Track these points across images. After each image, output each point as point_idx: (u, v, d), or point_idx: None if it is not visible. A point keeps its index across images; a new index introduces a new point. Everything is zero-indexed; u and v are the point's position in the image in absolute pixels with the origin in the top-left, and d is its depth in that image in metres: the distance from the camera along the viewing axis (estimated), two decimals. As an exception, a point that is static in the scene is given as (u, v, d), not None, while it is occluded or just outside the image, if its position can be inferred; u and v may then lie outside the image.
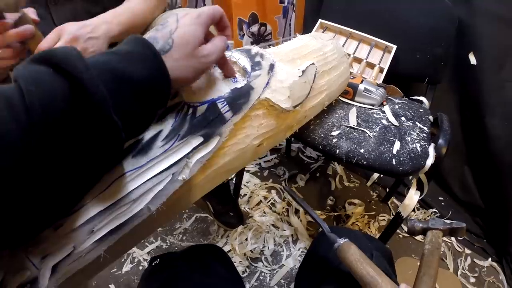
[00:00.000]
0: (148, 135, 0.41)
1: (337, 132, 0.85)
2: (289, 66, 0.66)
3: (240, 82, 0.54)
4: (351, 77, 0.98)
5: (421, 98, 1.09)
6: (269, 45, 1.26)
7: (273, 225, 1.26)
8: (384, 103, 0.98)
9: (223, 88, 0.51)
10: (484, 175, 1.26)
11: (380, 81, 1.06)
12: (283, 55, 0.68)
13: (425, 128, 0.89)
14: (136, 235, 0.43)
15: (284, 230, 1.25)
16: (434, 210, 1.36)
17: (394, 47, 1.08)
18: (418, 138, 0.85)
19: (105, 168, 0.34)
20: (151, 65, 0.35)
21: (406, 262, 1.22)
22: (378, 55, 1.11)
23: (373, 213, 1.35)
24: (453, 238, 1.34)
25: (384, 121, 0.89)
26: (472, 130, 1.23)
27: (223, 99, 0.49)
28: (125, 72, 0.32)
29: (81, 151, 0.29)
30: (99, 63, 0.31)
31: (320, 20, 1.19)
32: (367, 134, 0.84)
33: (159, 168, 0.40)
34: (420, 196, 0.86)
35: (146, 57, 0.35)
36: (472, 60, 1.13)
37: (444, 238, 1.29)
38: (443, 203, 1.38)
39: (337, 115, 0.91)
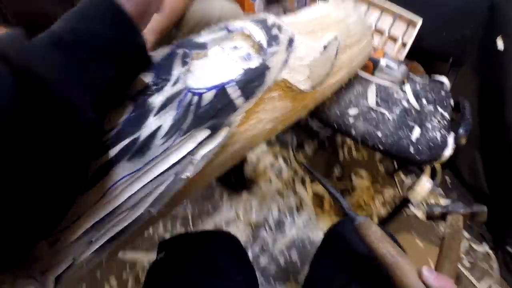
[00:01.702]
0: (145, 132, 0.35)
1: (355, 111, 0.80)
2: (309, 39, 0.59)
3: (254, 61, 0.47)
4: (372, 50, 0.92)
5: (443, 78, 1.03)
6: (284, 11, 1.16)
7: (278, 192, 1.26)
8: (405, 81, 0.93)
9: (234, 69, 0.45)
10: (495, 164, 1.23)
11: (402, 56, 0.99)
12: (301, 26, 0.61)
13: (446, 115, 0.85)
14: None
15: (290, 198, 1.25)
16: (439, 189, 1.35)
17: (420, 21, 0.99)
18: (439, 126, 0.80)
19: (86, 161, 0.29)
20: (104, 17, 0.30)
21: (405, 239, 1.24)
22: (401, 29, 1.02)
23: (378, 186, 1.34)
24: (453, 220, 1.35)
25: (404, 103, 0.84)
26: (489, 117, 1.18)
27: (234, 83, 0.42)
28: (77, 38, 0.28)
29: (49, 147, 0.24)
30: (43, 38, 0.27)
31: None
32: (386, 117, 0.80)
33: (160, 169, 0.35)
34: (433, 184, 0.85)
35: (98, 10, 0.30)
36: (500, 45, 1.06)
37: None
38: (449, 184, 1.37)
39: (355, 91, 0.85)
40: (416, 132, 0.78)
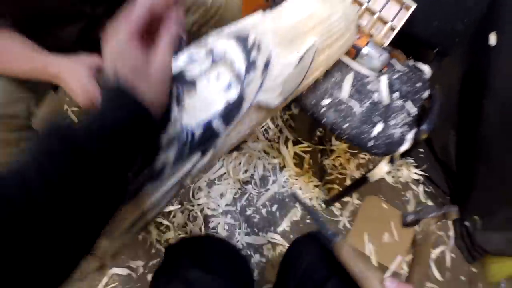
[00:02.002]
0: (157, 165, 0.50)
1: (327, 101, 0.89)
2: (287, 51, 0.67)
3: (233, 90, 0.57)
4: (357, 36, 0.98)
5: (425, 67, 1.08)
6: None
7: (264, 151, 1.40)
8: (385, 69, 1.00)
9: (218, 102, 0.56)
10: (465, 147, 1.33)
11: (388, 40, 1.02)
12: (283, 33, 0.67)
13: (414, 111, 0.93)
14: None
15: (274, 158, 1.40)
16: (412, 160, 1.49)
17: (414, 5, 1.00)
18: (402, 123, 0.90)
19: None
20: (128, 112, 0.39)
21: (372, 200, 1.40)
22: (393, 11, 1.02)
23: (355, 151, 1.48)
24: (420, 188, 1.49)
25: (375, 96, 0.92)
26: (468, 105, 1.25)
27: (218, 116, 0.54)
28: (114, 129, 0.38)
29: (89, 204, 0.35)
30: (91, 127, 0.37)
31: None
32: (354, 110, 0.89)
33: (170, 184, 0.51)
34: (390, 166, 0.97)
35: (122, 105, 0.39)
36: (492, 40, 1.08)
37: (413, 186, 1.45)
38: (421, 155, 1.49)
39: (333, 79, 0.92)
40: (378, 128, 0.87)
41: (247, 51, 0.60)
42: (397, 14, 1.02)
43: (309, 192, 1.36)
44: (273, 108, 0.65)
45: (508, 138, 1.16)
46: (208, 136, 0.53)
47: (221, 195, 1.29)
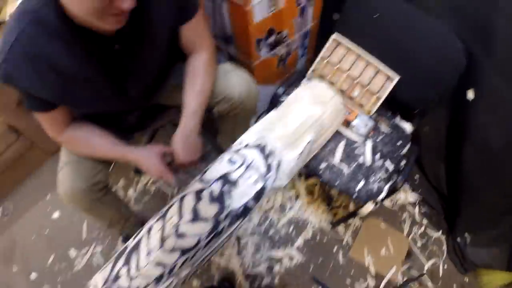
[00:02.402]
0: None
1: (324, 165, 1.22)
2: (291, 149, 1.01)
3: (259, 184, 0.91)
4: (348, 112, 1.28)
5: (406, 125, 1.35)
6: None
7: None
8: (372, 133, 1.29)
9: (250, 192, 0.90)
10: (452, 178, 1.59)
11: (375, 108, 1.30)
12: (289, 138, 1.01)
13: (391, 168, 1.23)
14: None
15: (290, 189, 1.73)
16: (408, 185, 1.76)
17: (397, 78, 1.24)
18: (380, 179, 1.20)
19: None
20: None
21: (372, 221, 1.69)
22: (380, 81, 1.28)
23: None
24: (416, 210, 1.77)
25: (361, 159, 1.23)
26: (452, 146, 1.49)
27: (250, 200, 0.90)
28: None
29: None
30: None
31: (332, 38, 1.31)
32: (344, 171, 1.21)
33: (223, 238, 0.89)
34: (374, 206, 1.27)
35: None
36: (470, 95, 1.25)
37: (409, 208, 1.73)
38: (416, 181, 1.76)
39: (327, 148, 1.24)
40: (360, 185, 1.19)
41: (266, 158, 0.96)
42: (383, 85, 1.30)
43: (319, 216, 1.68)
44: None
45: (483, 174, 1.39)
46: (245, 211, 0.89)
47: (249, 219, 1.64)
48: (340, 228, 1.67)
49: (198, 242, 0.80)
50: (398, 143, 1.30)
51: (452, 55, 1.13)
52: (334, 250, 1.63)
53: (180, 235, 0.78)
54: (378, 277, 1.60)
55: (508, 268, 1.44)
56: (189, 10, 0.95)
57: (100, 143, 0.98)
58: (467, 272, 1.65)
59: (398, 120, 1.38)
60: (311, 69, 1.35)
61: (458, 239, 1.65)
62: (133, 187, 1.72)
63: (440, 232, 1.74)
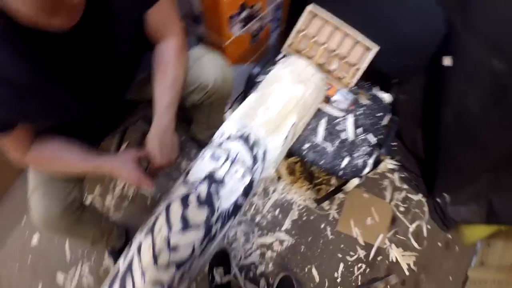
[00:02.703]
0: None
1: (307, 145, 1.17)
2: (275, 135, 0.95)
3: (247, 177, 0.85)
4: (328, 87, 1.23)
5: (385, 95, 1.33)
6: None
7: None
8: (352, 107, 1.26)
9: (238, 188, 0.84)
10: (429, 141, 1.61)
11: (354, 80, 1.25)
12: (272, 123, 0.95)
13: (374, 140, 1.21)
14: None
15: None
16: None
17: (376, 48, 1.20)
18: (363, 154, 1.18)
19: None
20: None
21: (354, 193, 1.70)
22: (359, 52, 1.24)
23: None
24: (395, 176, 1.79)
25: (343, 134, 1.20)
26: (430, 111, 1.50)
27: (240, 196, 0.84)
28: None
29: None
30: None
31: (308, 9, 1.23)
32: (327, 149, 1.17)
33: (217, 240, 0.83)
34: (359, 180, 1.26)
35: None
36: (446, 62, 1.25)
37: (388, 175, 1.75)
38: (394, 148, 1.77)
39: (309, 126, 1.20)
40: (346, 161, 1.16)
41: (251, 149, 0.89)
42: (362, 57, 1.25)
43: (302, 195, 1.66)
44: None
45: (459, 136, 1.42)
46: (236, 209, 0.84)
47: (240, 215, 1.58)
48: (325, 204, 1.67)
49: (193, 251, 0.74)
50: (378, 115, 1.28)
51: (431, 23, 1.12)
52: (322, 226, 1.62)
53: (173, 248, 0.71)
54: (367, 246, 1.62)
55: (487, 221, 1.50)
56: None
57: (69, 158, 0.87)
58: (449, 229, 1.72)
59: (376, 91, 1.35)
60: (286, 43, 1.28)
61: (438, 200, 1.70)
62: (111, 193, 1.59)
63: (421, 195, 1.78)
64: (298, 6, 1.28)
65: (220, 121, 1.40)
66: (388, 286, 1.47)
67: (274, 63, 1.29)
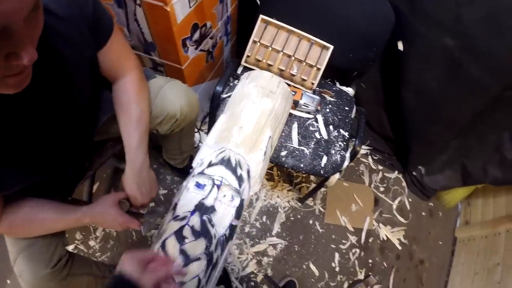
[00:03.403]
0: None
1: (285, 152, 1.19)
2: (254, 152, 0.95)
3: (236, 199, 0.86)
4: (293, 93, 1.25)
5: (348, 89, 1.38)
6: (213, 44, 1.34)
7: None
8: (319, 107, 1.29)
9: (230, 211, 0.84)
10: (395, 120, 1.68)
11: (317, 81, 1.29)
12: (248, 140, 0.95)
13: (346, 134, 1.26)
14: None
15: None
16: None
17: (331, 47, 1.24)
18: (340, 149, 1.22)
19: None
20: None
21: (334, 184, 1.75)
22: (316, 52, 1.27)
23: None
24: (370, 159, 1.86)
25: (317, 134, 1.23)
26: (391, 93, 1.57)
27: (233, 218, 0.84)
28: None
29: None
30: None
31: (261, 16, 1.24)
32: (305, 152, 1.20)
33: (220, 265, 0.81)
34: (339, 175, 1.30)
35: None
36: (400, 46, 1.33)
37: (362, 159, 1.80)
38: (363, 135, 1.83)
39: (283, 133, 1.22)
40: (324, 160, 1.19)
41: (234, 171, 0.89)
42: (320, 56, 1.28)
43: (285, 197, 1.69)
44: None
45: (423, 111, 1.49)
46: (232, 231, 0.84)
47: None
48: (309, 201, 1.71)
49: (199, 283, 0.74)
50: (346, 108, 1.32)
51: (381, 13, 1.17)
52: (310, 222, 1.66)
53: (179, 284, 0.72)
54: (357, 231, 1.68)
55: (464, 184, 1.60)
56: (104, 31, 0.78)
57: (46, 218, 0.82)
58: (429, 198, 1.81)
59: (339, 86, 1.39)
60: (245, 55, 1.28)
61: (414, 173, 1.79)
62: (92, 236, 1.53)
63: (396, 172, 1.86)
64: (246, 18, 1.30)
65: (192, 144, 1.40)
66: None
67: (236, 77, 1.30)
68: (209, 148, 0.96)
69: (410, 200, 1.82)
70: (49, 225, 0.83)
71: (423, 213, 1.81)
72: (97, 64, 0.83)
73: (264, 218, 1.63)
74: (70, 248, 1.44)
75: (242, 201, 0.88)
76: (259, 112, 1.01)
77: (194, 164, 0.95)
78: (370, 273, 1.59)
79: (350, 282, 1.57)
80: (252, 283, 1.49)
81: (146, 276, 0.62)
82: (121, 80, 0.89)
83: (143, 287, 0.60)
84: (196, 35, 1.23)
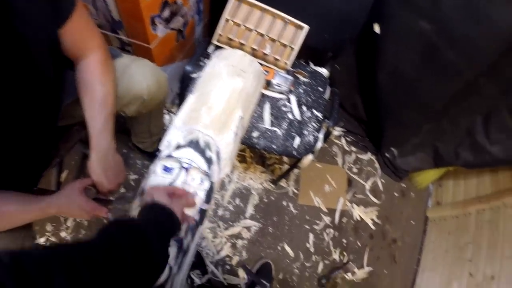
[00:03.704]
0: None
1: (256, 133, 1.17)
2: (224, 134, 0.92)
3: (205, 182, 0.84)
4: (266, 72, 1.22)
5: (323, 70, 1.36)
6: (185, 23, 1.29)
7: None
8: (292, 88, 1.27)
9: (201, 195, 0.82)
10: (369, 103, 1.69)
11: (290, 61, 1.25)
12: (218, 121, 0.92)
13: (319, 115, 1.24)
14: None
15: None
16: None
17: (306, 28, 1.20)
18: (313, 130, 1.21)
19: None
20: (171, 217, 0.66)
21: (307, 166, 1.75)
22: (290, 32, 1.24)
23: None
24: (343, 141, 1.87)
25: (290, 115, 1.21)
26: (366, 76, 1.56)
27: (203, 202, 0.82)
28: (164, 225, 0.63)
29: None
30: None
31: None
32: (277, 132, 1.18)
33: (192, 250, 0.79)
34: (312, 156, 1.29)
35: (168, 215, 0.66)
36: (376, 29, 1.31)
37: (336, 141, 1.81)
38: (337, 116, 1.83)
39: (255, 114, 1.19)
40: (297, 141, 1.18)
41: (203, 153, 0.86)
42: (294, 36, 1.25)
43: (258, 178, 1.68)
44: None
45: (397, 94, 1.50)
46: (202, 216, 0.82)
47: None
48: (282, 182, 1.70)
49: (170, 270, 0.72)
50: (320, 89, 1.31)
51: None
52: (284, 204, 1.66)
53: None
54: (331, 212, 1.70)
55: (436, 166, 1.63)
56: (65, 7, 0.72)
57: (7, 211, 0.75)
58: (402, 179, 1.85)
59: (313, 67, 1.37)
60: (216, 33, 1.24)
61: (387, 155, 1.81)
62: (63, 227, 1.43)
63: (369, 153, 1.88)
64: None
65: (161, 127, 1.35)
66: (349, 274, 1.56)
67: (207, 56, 1.25)
68: (177, 129, 0.92)
69: (382, 181, 1.85)
70: (11, 219, 0.77)
71: (396, 194, 1.85)
72: (58, 43, 0.76)
73: (237, 201, 1.61)
74: (42, 241, 1.38)
75: (212, 184, 0.85)
76: (229, 92, 0.98)
77: (161, 147, 0.91)
78: (349, 260, 1.62)
79: (326, 262, 1.59)
80: (228, 267, 1.48)
81: (175, 203, 0.70)
82: (84, 60, 0.83)
83: (175, 213, 0.67)
84: (166, 13, 1.17)
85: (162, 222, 0.63)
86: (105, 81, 0.84)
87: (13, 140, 0.73)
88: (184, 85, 1.20)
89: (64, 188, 0.82)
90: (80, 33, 0.79)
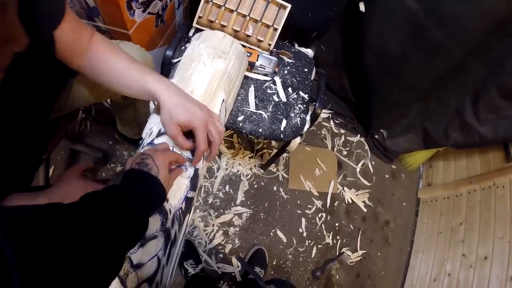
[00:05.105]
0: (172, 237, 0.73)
1: (242, 117, 1.14)
2: None
3: (189, 169, 0.80)
4: (248, 54, 1.19)
5: (308, 50, 1.33)
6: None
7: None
8: (277, 69, 1.24)
9: (184, 182, 0.78)
10: (356, 84, 1.66)
11: (273, 42, 1.23)
12: None
13: (306, 97, 1.22)
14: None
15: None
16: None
17: (289, 7, 1.16)
18: (299, 112, 1.18)
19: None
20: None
21: (296, 149, 1.72)
22: (273, 12, 1.20)
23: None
24: (331, 123, 1.85)
25: (275, 97, 1.19)
26: (352, 56, 1.54)
27: (188, 190, 0.78)
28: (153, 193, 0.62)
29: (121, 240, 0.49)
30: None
31: None
32: (263, 116, 1.16)
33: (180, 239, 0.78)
34: (300, 139, 1.27)
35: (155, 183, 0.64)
36: (362, 7, 1.30)
37: (324, 123, 1.79)
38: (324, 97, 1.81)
39: (239, 97, 1.16)
40: (284, 124, 1.15)
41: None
42: (276, 16, 1.21)
43: (247, 164, 1.65)
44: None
45: (384, 74, 1.49)
46: (188, 204, 0.79)
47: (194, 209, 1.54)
48: (272, 167, 1.68)
49: (159, 262, 0.69)
50: (305, 70, 1.28)
51: None
52: (275, 189, 1.64)
53: (137, 266, 0.66)
54: (322, 196, 1.69)
55: (425, 147, 1.63)
56: (58, 9, 0.69)
57: None
58: (392, 161, 1.84)
59: (298, 47, 1.34)
60: (196, 16, 1.20)
61: (376, 136, 1.80)
62: None
63: (359, 135, 1.86)
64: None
65: (147, 113, 1.31)
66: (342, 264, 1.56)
67: (188, 40, 1.21)
68: (157, 116, 0.89)
69: (373, 163, 1.84)
70: None
71: (386, 176, 1.84)
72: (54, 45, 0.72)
73: (227, 188, 1.59)
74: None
75: (196, 171, 0.82)
76: (211, 74, 0.95)
77: (143, 135, 0.88)
78: (344, 251, 1.61)
79: (320, 246, 1.59)
80: (221, 255, 1.47)
81: (160, 155, 0.67)
82: (88, 52, 0.78)
83: (158, 165, 0.65)
84: (143, -5, 1.13)
85: (142, 182, 0.62)
86: (119, 51, 0.80)
87: (11, 140, 0.70)
88: (165, 70, 1.16)
89: (61, 178, 0.79)
90: (73, 28, 0.74)
